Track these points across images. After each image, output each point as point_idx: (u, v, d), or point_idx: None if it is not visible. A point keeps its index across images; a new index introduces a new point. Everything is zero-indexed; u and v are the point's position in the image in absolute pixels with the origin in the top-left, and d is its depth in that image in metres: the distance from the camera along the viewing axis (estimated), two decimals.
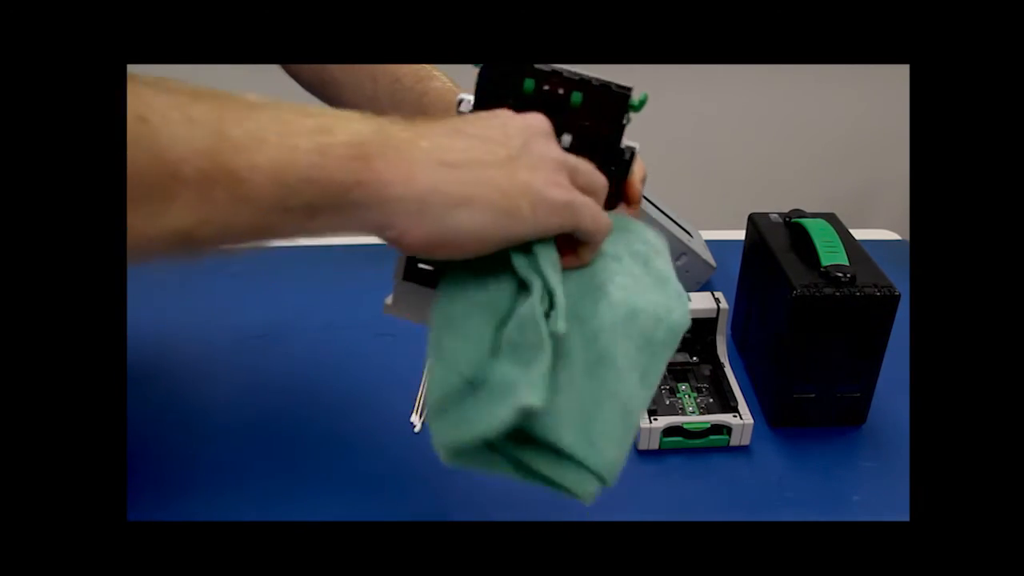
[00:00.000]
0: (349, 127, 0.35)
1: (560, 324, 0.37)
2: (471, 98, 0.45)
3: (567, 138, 0.45)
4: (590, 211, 0.40)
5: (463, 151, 0.36)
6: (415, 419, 0.64)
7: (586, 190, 0.40)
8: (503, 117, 0.40)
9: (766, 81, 1.83)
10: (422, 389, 0.67)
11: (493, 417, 0.35)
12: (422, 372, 0.69)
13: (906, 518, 0.43)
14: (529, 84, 0.44)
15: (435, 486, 0.59)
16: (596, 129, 0.45)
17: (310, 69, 0.70)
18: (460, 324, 0.39)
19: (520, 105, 0.43)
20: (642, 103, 0.44)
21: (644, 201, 0.78)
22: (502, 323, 0.39)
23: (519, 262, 0.39)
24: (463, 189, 0.35)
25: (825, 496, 0.59)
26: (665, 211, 0.82)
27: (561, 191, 0.38)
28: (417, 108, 0.62)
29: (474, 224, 0.36)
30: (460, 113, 0.44)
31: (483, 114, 0.41)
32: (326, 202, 0.34)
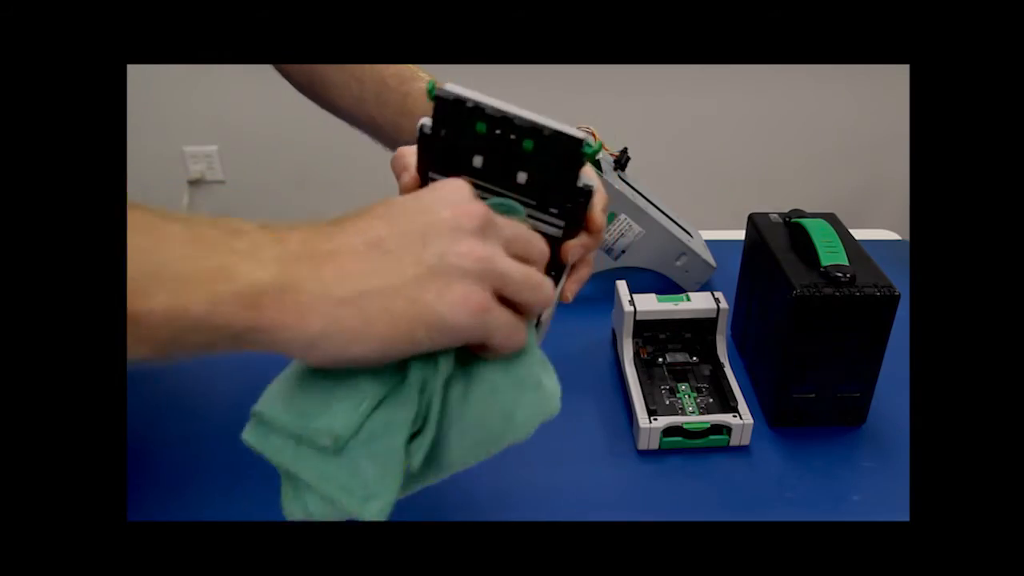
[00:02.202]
0: (250, 274, 0.34)
1: (416, 460, 0.39)
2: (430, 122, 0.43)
3: (522, 175, 0.43)
4: (503, 332, 0.38)
5: (365, 279, 0.35)
6: None
7: (515, 288, 0.38)
8: (430, 214, 0.36)
9: (766, 81, 1.83)
10: None
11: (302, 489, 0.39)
12: None
13: (906, 518, 0.43)
14: (480, 127, 0.42)
15: (435, 486, 0.59)
16: (549, 174, 0.43)
17: (300, 69, 0.71)
18: (337, 387, 0.38)
19: (473, 143, 0.42)
20: (595, 151, 0.43)
21: (644, 201, 0.79)
22: (376, 401, 0.38)
23: (415, 368, 0.38)
24: (357, 325, 0.35)
25: (825, 496, 0.59)
26: (665, 211, 0.82)
27: (470, 314, 0.36)
28: (401, 109, 0.63)
29: (367, 354, 0.36)
30: (422, 134, 0.43)
31: (410, 209, 0.37)
32: (221, 342, 0.35)
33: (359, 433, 0.37)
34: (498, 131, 0.42)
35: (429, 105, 0.46)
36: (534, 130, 0.42)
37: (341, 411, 0.37)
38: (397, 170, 0.47)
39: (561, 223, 0.45)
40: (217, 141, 1.91)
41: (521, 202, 0.44)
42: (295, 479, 0.39)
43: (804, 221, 0.65)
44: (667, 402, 0.64)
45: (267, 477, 0.59)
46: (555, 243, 0.46)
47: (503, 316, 0.37)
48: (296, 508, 0.39)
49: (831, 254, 0.61)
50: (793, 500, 0.58)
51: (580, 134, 0.41)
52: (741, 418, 0.61)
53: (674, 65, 1.70)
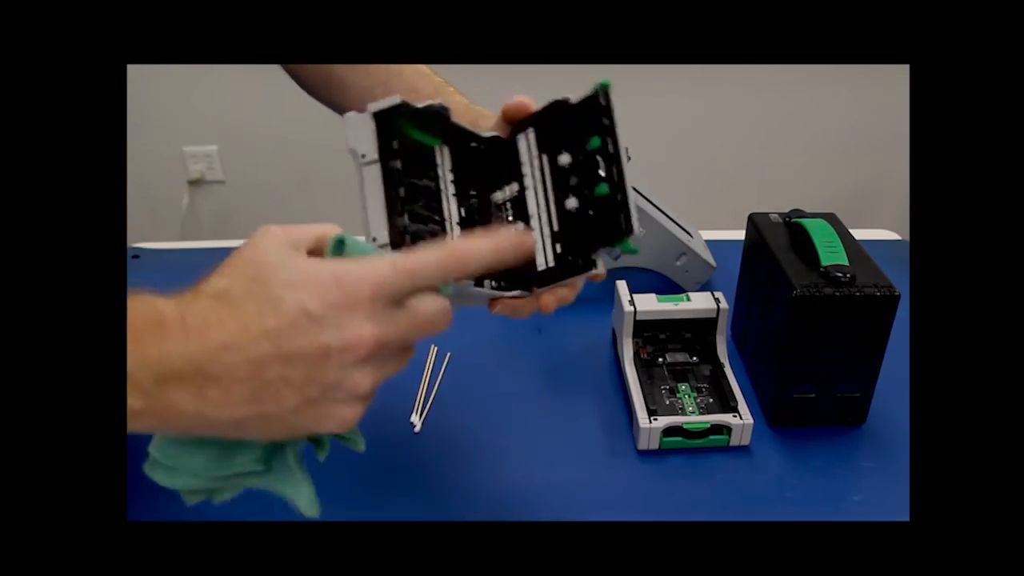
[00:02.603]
0: (130, 399, 0.36)
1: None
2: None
3: (572, 201, 0.46)
4: (398, 369, 0.40)
5: (241, 406, 0.36)
6: (415, 419, 0.64)
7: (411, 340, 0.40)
8: (321, 338, 0.36)
9: (766, 81, 1.83)
10: (422, 389, 0.67)
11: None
12: (422, 372, 0.69)
13: (906, 518, 0.43)
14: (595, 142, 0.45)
15: (435, 486, 0.59)
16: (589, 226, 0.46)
17: (315, 70, 0.69)
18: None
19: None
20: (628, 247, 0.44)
21: (644, 201, 0.79)
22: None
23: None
24: (233, 434, 0.38)
25: (825, 496, 0.59)
26: (665, 211, 0.82)
27: (341, 428, 0.39)
28: None
29: (250, 436, 0.40)
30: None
31: (301, 325, 0.35)
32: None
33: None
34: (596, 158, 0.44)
35: (470, 121, 0.47)
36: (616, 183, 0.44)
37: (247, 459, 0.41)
38: None
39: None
40: (217, 141, 1.91)
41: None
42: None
43: (804, 221, 0.65)
44: (667, 402, 0.64)
45: None
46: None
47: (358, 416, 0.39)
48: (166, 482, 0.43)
49: (831, 254, 0.61)
50: (793, 500, 0.58)
51: (633, 224, 0.43)
52: (741, 418, 0.61)
53: (674, 65, 1.70)
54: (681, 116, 1.88)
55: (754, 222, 0.69)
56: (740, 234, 0.73)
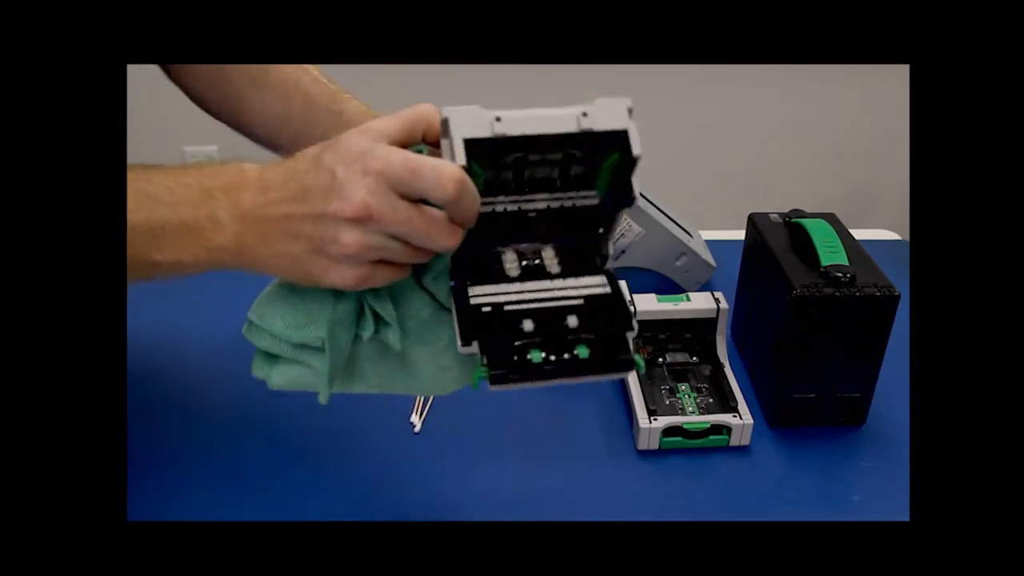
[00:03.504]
0: (216, 238, 0.46)
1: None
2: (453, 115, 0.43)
3: (577, 168, 0.45)
4: (388, 278, 0.46)
5: (283, 245, 0.45)
6: (415, 419, 0.64)
7: (399, 256, 0.45)
8: (325, 200, 0.43)
9: (766, 81, 1.83)
10: None
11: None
12: None
13: (906, 518, 0.43)
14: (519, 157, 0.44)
15: (435, 486, 0.59)
16: (597, 162, 0.45)
17: (211, 86, 0.67)
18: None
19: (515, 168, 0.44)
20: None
21: (644, 201, 0.79)
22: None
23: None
24: (285, 273, 0.47)
25: (825, 496, 0.59)
26: (665, 211, 0.82)
27: (350, 286, 0.45)
28: (336, 126, 0.61)
29: (286, 276, 0.47)
30: (444, 128, 0.43)
31: (317, 187, 0.44)
32: (209, 270, 0.47)
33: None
34: (532, 150, 0.43)
35: (361, 123, 0.48)
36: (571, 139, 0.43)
37: (321, 322, 0.48)
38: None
39: (595, 195, 0.46)
40: (217, 141, 1.91)
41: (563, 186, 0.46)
42: (271, 357, 0.50)
43: (804, 221, 0.65)
44: (667, 402, 0.64)
45: (267, 477, 0.59)
46: (591, 212, 0.47)
47: (384, 276, 0.45)
48: (262, 373, 0.50)
49: (831, 254, 0.61)
50: (793, 500, 0.58)
51: (618, 127, 0.43)
52: (741, 418, 0.61)
53: (674, 65, 1.70)
54: (681, 116, 1.88)
55: (754, 222, 0.69)
56: (740, 234, 0.73)
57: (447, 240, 0.43)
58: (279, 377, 0.49)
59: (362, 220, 0.43)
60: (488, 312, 0.45)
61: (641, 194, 0.79)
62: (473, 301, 0.45)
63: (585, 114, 0.42)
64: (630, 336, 0.45)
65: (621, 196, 0.45)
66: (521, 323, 0.45)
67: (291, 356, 0.49)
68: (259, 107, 0.65)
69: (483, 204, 0.45)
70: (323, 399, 0.48)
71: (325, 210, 0.43)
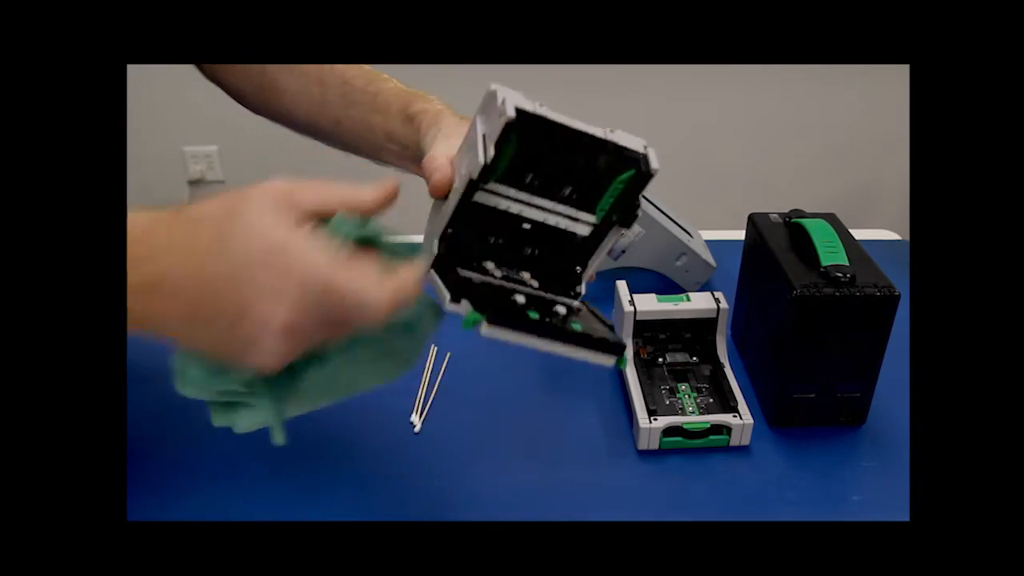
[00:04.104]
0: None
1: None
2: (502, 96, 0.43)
3: (568, 189, 0.47)
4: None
5: (182, 327, 0.40)
6: (415, 419, 0.64)
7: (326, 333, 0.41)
8: (242, 308, 0.38)
9: (766, 81, 1.83)
10: (422, 389, 0.67)
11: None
12: (422, 372, 0.69)
13: (906, 518, 0.43)
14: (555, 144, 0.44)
15: (435, 486, 0.59)
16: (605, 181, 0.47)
17: (246, 77, 0.67)
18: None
19: (540, 158, 0.45)
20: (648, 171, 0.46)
21: (644, 201, 0.78)
22: None
23: None
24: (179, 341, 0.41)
25: (825, 496, 0.59)
26: (665, 211, 0.82)
27: (273, 366, 0.40)
28: (372, 107, 0.62)
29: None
30: (487, 101, 0.44)
31: (224, 294, 0.39)
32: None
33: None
34: (570, 146, 0.44)
35: (399, 101, 0.47)
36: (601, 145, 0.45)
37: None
38: (429, 171, 0.48)
39: (592, 220, 0.48)
40: (217, 141, 1.91)
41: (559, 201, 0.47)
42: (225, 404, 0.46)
43: (804, 221, 0.65)
44: (667, 402, 0.64)
45: (267, 477, 0.59)
46: (578, 240, 0.49)
47: (311, 342, 0.41)
48: (225, 421, 0.47)
49: (831, 254, 0.61)
50: (793, 500, 0.58)
51: (639, 148, 0.45)
52: (741, 418, 0.61)
53: (675, 65, 1.70)
54: (681, 116, 1.88)
55: (754, 222, 0.69)
56: (740, 234, 0.73)
57: (368, 313, 0.40)
58: (244, 421, 0.46)
59: (283, 335, 0.39)
60: (478, 282, 0.46)
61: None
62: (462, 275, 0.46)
63: (612, 131, 0.45)
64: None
65: (624, 214, 0.48)
66: (513, 295, 0.46)
67: (234, 400, 0.46)
68: (297, 94, 0.66)
69: (491, 195, 0.46)
70: (279, 439, 0.45)
71: (241, 309, 0.38)
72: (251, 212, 0.38)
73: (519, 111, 0.42)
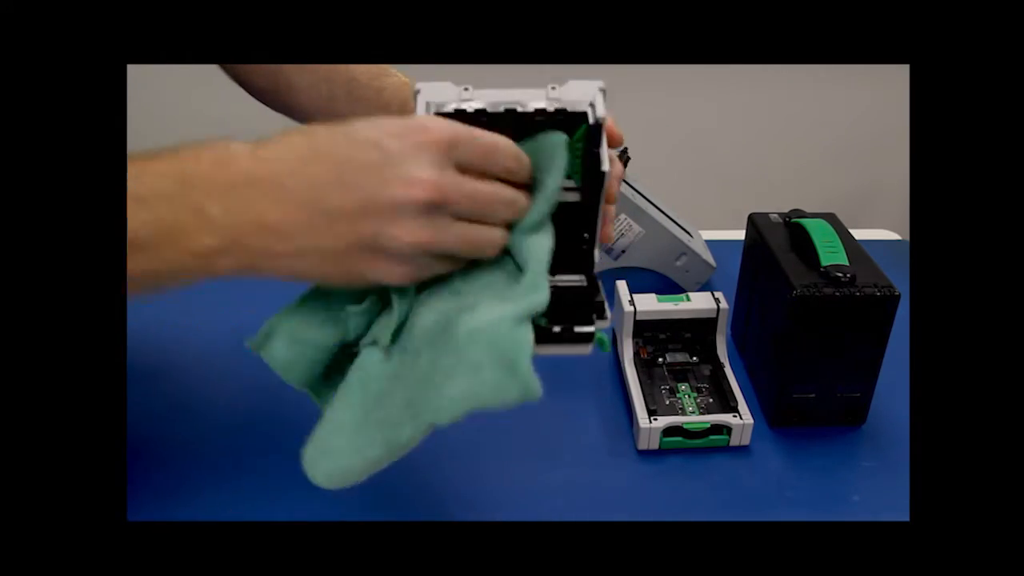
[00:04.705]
0: (201, 239, 0.38)
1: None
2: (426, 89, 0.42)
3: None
4: (454, 245, 0.38)
5: (303, 238, 0.37)
6: None
7: (458, 250, 0.39)
8: (377, 182, 0.36)
9: (766, 81, 1.83)
10: None
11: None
12: None
13: (906, 518, 0.43)
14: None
15: (435, 486, 0.59)
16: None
17: (261, 74, 0.69)
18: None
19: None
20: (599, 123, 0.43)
21: (644, 201, 0.79)
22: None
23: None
24: (300, 271, 0.39)
25: (825, 496, 0.59)
26: (665, 211, 0.82)
27: (397, 279, 0.38)
28: (377, 103, 0.62)
29: (312, 276, 0.39)
30: (414, 98, 0.42)
31: (361, 165, 0.36)
32: (193, 280, 0.40)
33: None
34: (498, 125, 0.42)
35: (401, 96, 0.46)
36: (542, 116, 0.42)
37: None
38: None
39: (573, 184, 0.45)
40: None
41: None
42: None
43: (804, 221, 0.65)
44: (667, 402, 0.64)
45: (267, 477, 0.59)
46: (576, 209, 0.46)
47: (449, 236, 0.38)
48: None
49: (831, 254, 0.61)
50: (793, 500, 0.58)
51: (582, 100, 0.42)
52: (741, 418, 0.61)
53: (674, 65, 1.70)
54: (681, 116, 1.88)
55: (754, 222, 0.69)
56: (740, 234, 0.73)
57: (506, 205, 0.39)
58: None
59: (431, 200, 0.36)
60: None
61: (641, 194, 0.80)
62: None
63: (553, 88, 0.42)
64: (600, 325, 0.44)
65: (592, 172, 0.43)
66: None
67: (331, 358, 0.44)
68: (307, 91, 0.67)
69: None
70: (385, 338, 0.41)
71: (378, 196, 0.35)
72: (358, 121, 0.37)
73: (439, 115, 0.41)
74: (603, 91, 0.42)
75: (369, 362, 0.43)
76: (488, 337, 0.39)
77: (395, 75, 0.63)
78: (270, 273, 0.39)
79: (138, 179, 0.38)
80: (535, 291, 0.40)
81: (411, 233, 0.36)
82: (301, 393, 0.51)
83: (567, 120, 0.42)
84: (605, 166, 0.43)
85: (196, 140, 0.39)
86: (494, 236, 0.40)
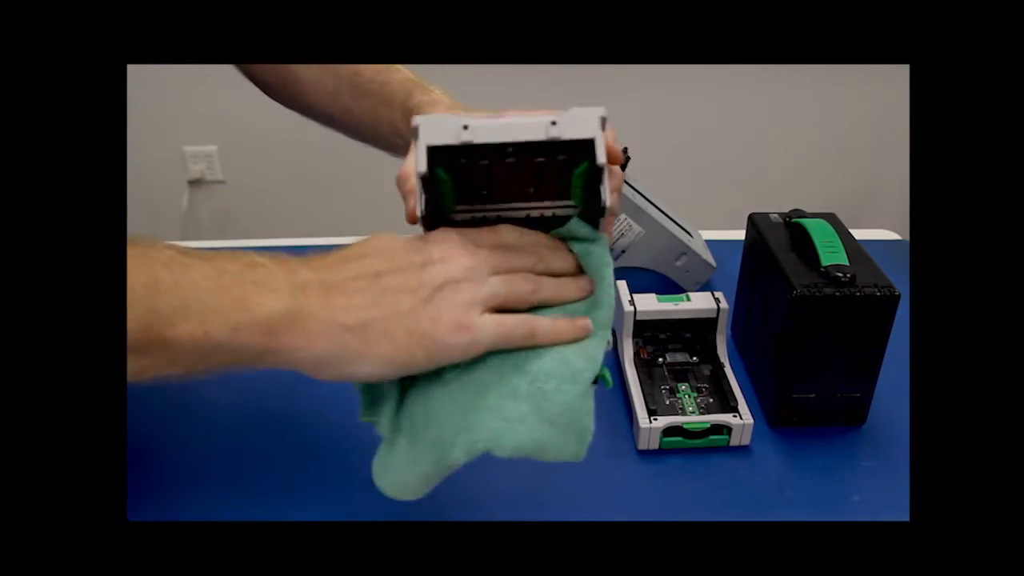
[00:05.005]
0: (265, 305, 0.39)
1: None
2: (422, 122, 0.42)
3: (532, 188, 0.45)
4: (503, 338, 0.42)
5: (368, 309, 0.40)
6: None
7: (512, 301, 0.43)
8: (424, 254, 0.42)
9: (766, 81, 1.83)
10: None
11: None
12: None
13: (906, 518, 0.43)
14: (482, 161, 0.43)
15: (435, 486, 0.59)
16: (564, 177, 0.44)
17: (272, 69, 0.71)
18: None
19: (476, 177, 0.43)
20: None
21: (644, 201, 0.79)
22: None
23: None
24: (360, 348, 0.40)
25: (825, 496, 0.59)
26: (665, 211, 0.82)
27: (463, 334, 0.41)
28: (380, 99, 0.63)
29: (371, 372, 0.41)
30: (414, 134, 0.42)
31: (407, 251, 0.42)
32: (241, 362, 0.40)
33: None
34: (499, 158, 0.42)
35: (403, 92, 0.45)
36: (536, 146, 0.42)
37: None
38: (404, 193, 0.47)
39: (572, 204, 0.45)
40: (217, 141, 1.91)
41: (532, 206, 0.46)
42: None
43: (804, 221, 0.65)
44: (667, 402, 0.64)
45: (267, 477, 0.59)
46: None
47: (497, 324, 0.42)
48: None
49: (831, 254, 0.61)
50: (793, 500, 0.58)
51: (586, 137, 0.41)
52: (741, 418, 0.61)
53: (674, 65, 1.70)
54: (681, 116, 1.88)
55: (754, 222, 0.69)
56: (740, 234, 0.73)
57: (548, 289, 0.44)
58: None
59: (469, 259, 0.42)
60: None
61: (641, 194, 0.80)
62: None
63: (554, 123, 0.41)
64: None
65: (592, 206, 0.44)
66: None
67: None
68: (314, 86, 0.68)
69: (460, 211, 0.45)
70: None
71: (428, 258, 0.41)
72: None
73: (431, 150, 0.40)
74: (603, 119, 0.42)
75: (426, 381, 0.45)
76: (565, 399, 0.43)
77: (400, 71, 0.64)
78: (325, 352, 0.40)
79: (208, 261, 0.40)
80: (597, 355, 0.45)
81: (469, 286, 0.41)
82: (301, 394, 0.51)
83: (569, 151, 0.42)
84: (607, 202, 0.44)
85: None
86: (541, 284, 0.45)
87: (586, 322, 0.45)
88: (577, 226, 0.46)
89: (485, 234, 0.44)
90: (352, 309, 0.40)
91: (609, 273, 0.46)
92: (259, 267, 0.40)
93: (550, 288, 0.45)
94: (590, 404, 0.43)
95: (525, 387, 0.43)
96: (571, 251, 0.47)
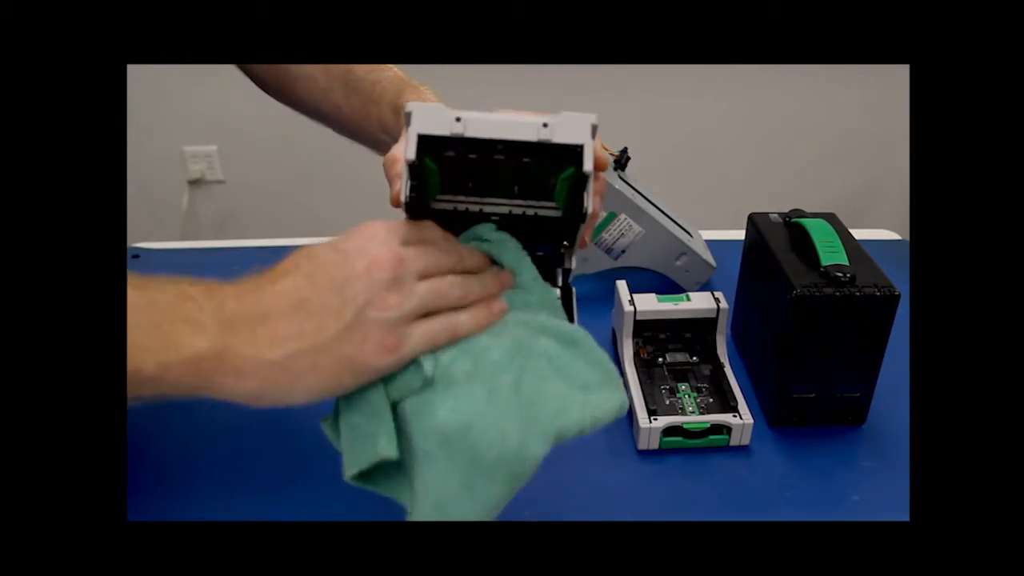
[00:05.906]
0: (191, 345, 0.39)
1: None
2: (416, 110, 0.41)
3: (517, 187, 0.45)
4: (436, 339, 0.42)
5: (293, 341, 0.40)
6: None
7: (438, 304, 0.43)
8: (346, 269, 0.41)
9: (766, 81, 1.83)
10: None
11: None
12: None
13: (906, 518, 0.43)
14: (470, 155, 0.43)
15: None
16: (549, 177, 0.44)
17: (266, 67, 0.72)
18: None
19: (463, 169, 0.43)
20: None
21: (644, 201, 0.79)
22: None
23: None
24: (289, 381, 0.41)
25: (825, 496, 0.59)
26: (665, 211, 0.82)
27: (389, 356, 0.41)
28: (370, 96, 0.63)
29: (303, 400, 0.42)
30: (407, 120, 0.42)
31: (329, 263, 0.41)
32: (176, 395, 0.41)
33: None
34: (487, 154, 0.42)
35: (392, 91, 0.45)
36: (526, 147, 0.41)
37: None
38: (390, 176, 0.48)
39: (555, 205, 0.45)
40: (217, 141, 1.91)
41: (516, 203, 0.45)
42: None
43: (804, 221, 0.65)
44: (667, 402, 0.64)
45: (267, 477, 0.59)
46: (555, 222, 0.46)
47: (423, 335, 0.42)
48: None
49: (831, 254, 0.61)
50: (793, 500, 0.58)
51: (576, 142, 0.41)
52: (741, 418, 0.61)
53: (674, 65, 1.70)
54: (681, 116, 1.88)
55: (754, 222, 0.69)
56: (740, 234, 0.73)
57: (476, 288, 0.44)
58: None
59: (396, 275, 0.41)
60: None
61: (641, 194, 0.80)
62: None
63: (546, 125, 0.41)
64: None
65: (574, 211, 0.44)
66: None
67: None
68: (305, 81, 0.69)
69: (444, 201, 0.45)
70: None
71: (351, 272, 0.40)
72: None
73: (421, 138, 0.40)
74: (595, 127, 0.41)
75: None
76: (597, 356, 0.48)
77: (390, 69, 0.64)
78: (253, 382, 0.42)
79: (140, 289, 0.40)
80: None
81: (385, 299, 0.40)
82: None
83: (556, 155, 0.42)
84: (589, 209, 0.44)
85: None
86: (467, 284, 0.45)
87: (502, 305, 0.45)
88: (484, 231, 0.47)
89: (413, 229, 0.44)
90: (277, 342, 0.40)
91: (526, 257, 0.47)
92: (189, 301, 0.40)
93: (477, 292, 0.45)
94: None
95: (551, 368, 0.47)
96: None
